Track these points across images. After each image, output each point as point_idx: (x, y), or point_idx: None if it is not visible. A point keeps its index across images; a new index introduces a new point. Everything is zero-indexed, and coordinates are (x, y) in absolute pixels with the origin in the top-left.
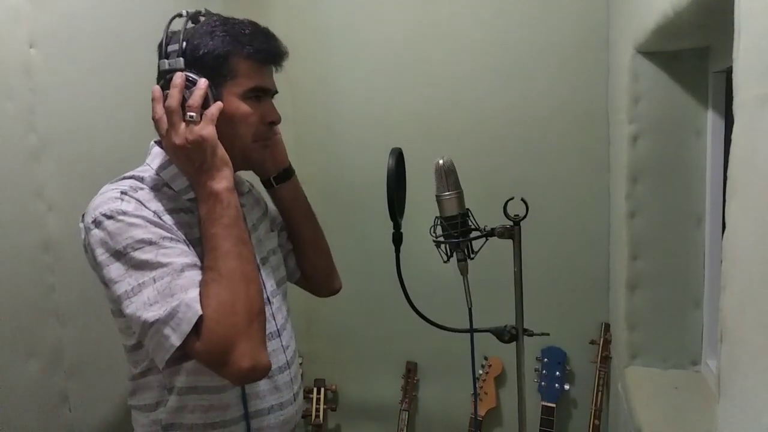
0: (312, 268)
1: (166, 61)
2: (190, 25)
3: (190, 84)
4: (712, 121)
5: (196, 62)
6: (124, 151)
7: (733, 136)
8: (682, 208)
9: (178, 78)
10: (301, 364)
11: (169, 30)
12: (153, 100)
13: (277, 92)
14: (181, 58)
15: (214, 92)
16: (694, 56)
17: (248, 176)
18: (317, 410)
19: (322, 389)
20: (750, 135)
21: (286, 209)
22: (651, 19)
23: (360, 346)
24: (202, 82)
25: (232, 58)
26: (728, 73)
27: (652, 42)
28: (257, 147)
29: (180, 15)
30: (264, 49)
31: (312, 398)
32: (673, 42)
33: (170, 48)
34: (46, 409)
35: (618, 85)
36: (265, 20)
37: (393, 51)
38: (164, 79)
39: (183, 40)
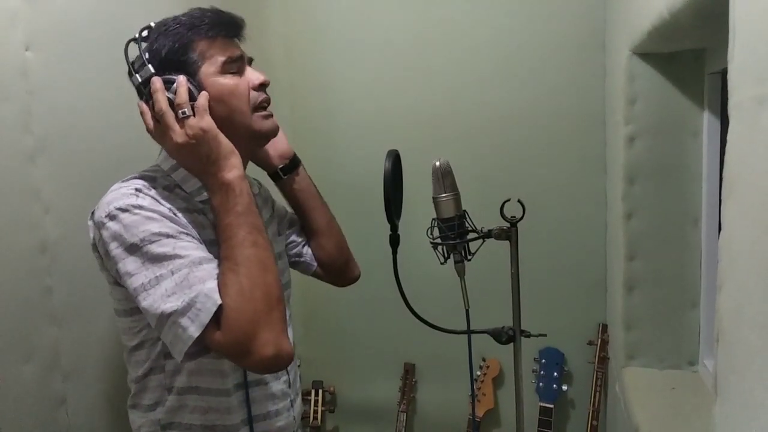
0: (328, 256)
1: (137, 75)
2: (144, 45)
3: (169, 85)
4: (708, 122)
5: (163, 64)
6: (121, 153)
7: (729, 137)
8: (679, 209)
9: (156, 83)
10: (299, 366)
11: (128, 55)
12: (142, 114)
13: (252, 58)
14: (149, 65)
15: (195, 83)
16: (690, 58)
17: (256, 174)
18: (315, 412)
19: (320, 391)
20: (745, 136)
21: (297, 200)
22: (647, 20)
23: (358, 348)
24: (181, 78)
25: (193, 44)
26: (724, 74)
27: (648, 43)
28: (259, 117)
29: (133, 40)
30: (218, 22)
31: (310, 400)
32: (669, 43)
33: (136, 63)
34: (42, 412)
35: (614, 86)
36: (263, 22)
37: (390, 53)
38: (143, 92)
39: (144, 52)
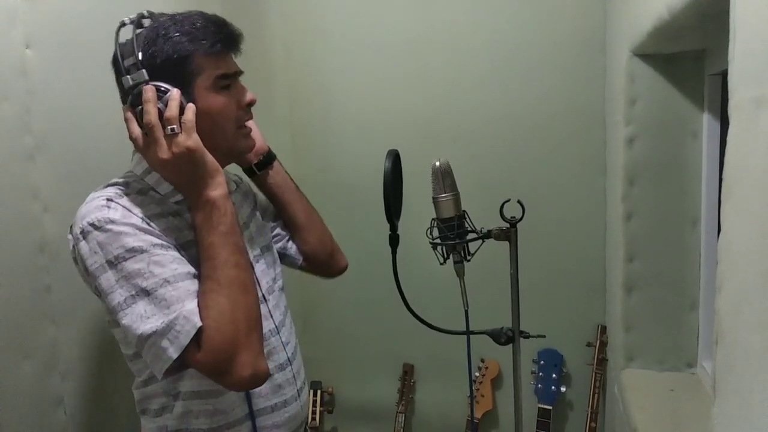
0: (312, 250)
1: (128, 77)
2: (138, 31)
3: (161, 94)
4: (707, 123)
5: (157, 70)
6: (120, 152)
7: (728, 139)
8: (679, 210)
9: (149, 92)
10: None
11: (119, 42)
12: (126, 120)
13: (242, 72)
14: (143, 70)
15: (186, 96)
16: (690, 59)
17: (234, 168)
18: (314, 413)
19: (319, 391)
20: (745, 137)
21: (274, 195)
22: (647, 21)
23: (357, 349)
24: (175, 93)
25: (191, 58)
26: (724, 75)
27: (648, 44)
28: (240, 135)
29: (124, 24)
30: (219, 39)
31: (308, 401)
32: (669, 44)
33: (127, 62)
34: (40, 411)
35: (615, 87)
36: (262, 24)
37: (390, 54)
38: (131, 95)
39: (138, 51)
